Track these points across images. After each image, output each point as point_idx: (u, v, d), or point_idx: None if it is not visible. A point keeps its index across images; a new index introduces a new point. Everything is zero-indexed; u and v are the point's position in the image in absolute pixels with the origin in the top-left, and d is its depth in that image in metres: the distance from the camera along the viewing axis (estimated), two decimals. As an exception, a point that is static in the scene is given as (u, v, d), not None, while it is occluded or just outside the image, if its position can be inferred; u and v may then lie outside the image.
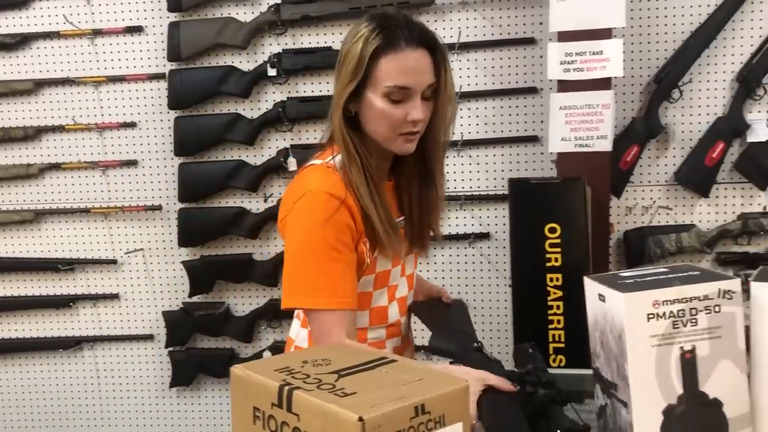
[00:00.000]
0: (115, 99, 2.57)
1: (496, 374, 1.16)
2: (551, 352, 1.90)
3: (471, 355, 1.27)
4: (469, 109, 2.42)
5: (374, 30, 1.26)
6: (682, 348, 0.93)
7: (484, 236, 2.45)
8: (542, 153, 2.40)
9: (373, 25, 1.27)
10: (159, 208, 2.57)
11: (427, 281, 1.77)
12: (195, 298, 2.58)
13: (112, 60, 2.55)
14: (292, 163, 2.45)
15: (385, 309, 1.42)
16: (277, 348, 2.54)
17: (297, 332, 1.49)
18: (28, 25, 2.56)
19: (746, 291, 0.95)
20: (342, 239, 1.27)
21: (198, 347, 2.62)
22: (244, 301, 2.60)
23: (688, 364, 0.93)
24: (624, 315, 0.92)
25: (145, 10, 2.52)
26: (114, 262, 2.62)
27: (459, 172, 2.45)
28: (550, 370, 1.22)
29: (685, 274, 0.98)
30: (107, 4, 2.52)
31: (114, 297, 2.64)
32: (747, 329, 0.96)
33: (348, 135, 1.30)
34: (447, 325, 1.50)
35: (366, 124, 1.31)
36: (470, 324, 1.54)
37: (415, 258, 1.53)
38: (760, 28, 2.28)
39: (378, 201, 1.30)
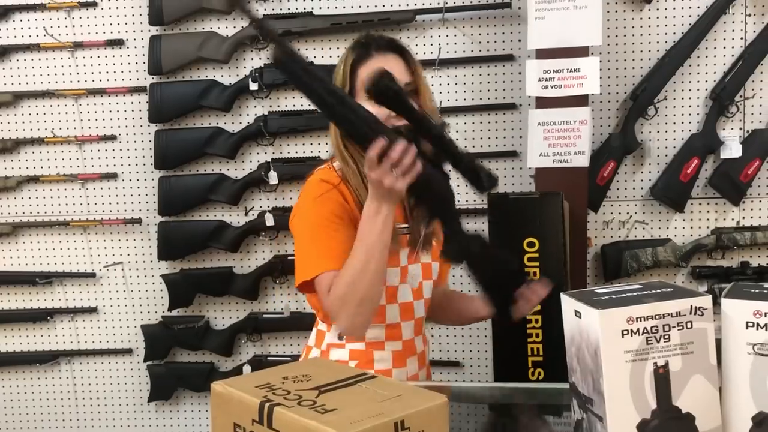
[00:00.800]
0: (96, 112, 2.56)
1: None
2: (530, 365, 1.93)
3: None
4: (448, 124, 2.44)
5: (349, 49, 1.47)
6: (655, 363, 0.95)
7: (464, 250, 2.47)
8: (521, 168, 2.43)
9: (350, 48, 1.48)
10: (139, 221, 2.56)
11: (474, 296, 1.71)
12: (174, 312, 2.57)
13: (92, 73, 2.55)
14: (273, 177, 2.46)
15: (382, 307, 1.46)
16: (258, 362, 2.53)
17: (314, 340, 1.55)
18: (8, 37, 2.55)
19: (718, 304, 0.97)
20: (336, 213, 1.40)
21: (177, 361, 2.61)
22: (224, 314, 2.60)
23: (662, 379, 0.95)
24: (599, 331, 0.94)
25: (126, 24, 2.52)
26: (93, 275, 2.60)
27: (439, 187, 2.46)
28: (526, 384, 1.23)
29: (658, 290, 1.00)
30: (88, 17, 2.52)
31: (92, 311, 2.62)
32: (718, 343, 0.98)
33: (344, 144, 1.44)
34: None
35: None
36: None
37: (424, 269, 1.55)
38: (732, 47, 2.34)
39: None
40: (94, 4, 2.51)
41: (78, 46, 2.52)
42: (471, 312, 1.65)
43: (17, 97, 2.55)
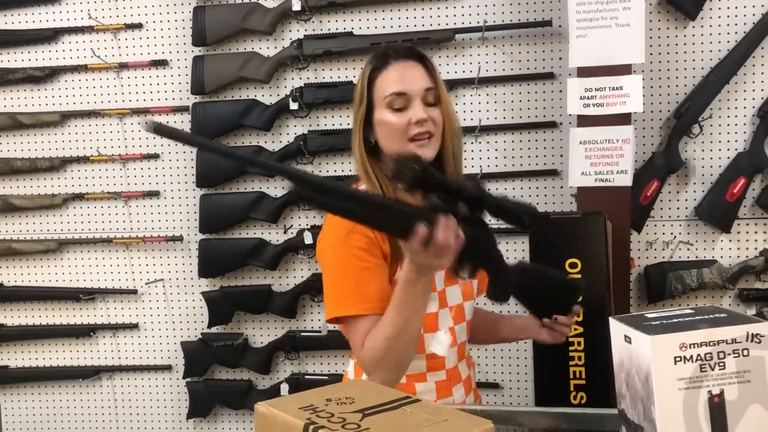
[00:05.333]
0: (139, 131, 2.61)
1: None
2: (572, 388, 1.88)
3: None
4: (488, 142, 2.43)
5: (368, 61, 1.45)
6: (710, 392, 0.92)
7: (504, 270, 2.44)
8: (562, 187, 2.40)
9: (368, 59, 1.45)
10: (180, 238, 2.59)
11: (514, 318, 1.71)
12: (214, 329, 2.59)
13: (137, 93, 2.60)
14: (312, 196, 2.46)
15: (421, 337, 1.40)
16: (295, 380, 2.53)
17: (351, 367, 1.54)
18: (57, 58, 2.62)
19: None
20: (366, 249, 1.35)
21: (216, 378, 2.63)
22: (262, 332, 2.61)
23: (717, 408, 0.92)
24: (651, 357, 0.91)
25: (170, 44, 2.57)
26: (134, 292, 2.64)
27: (478, 206, 2.45)
28: (571, 409, 1.21)
29: (712, 316, 0.97)
30: (134, 39, 2.58)
31: (133, 327, 2.66)
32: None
33: (366, 161, 1.42)
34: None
35: (383, 146, 1.42)
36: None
37: (464, 289, 1.50)
38: (781, 64, 2.29)
39: None
40: (140, 26, 2.57)
41: (123, 66, 2.58)
42: (502, 335, 1.64)
43: (64, 117, 2.62)
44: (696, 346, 0.91)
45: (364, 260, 1.35)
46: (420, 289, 1.25)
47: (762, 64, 2.29)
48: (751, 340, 0.92)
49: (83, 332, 2.66)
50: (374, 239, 1.36)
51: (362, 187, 1.44)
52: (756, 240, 2.34)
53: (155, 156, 2.60)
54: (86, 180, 2.65)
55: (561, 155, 2.39)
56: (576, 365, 1.88)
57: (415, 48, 1.46)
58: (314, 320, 2.57)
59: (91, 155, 2.62)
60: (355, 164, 1.46)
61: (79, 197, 2.63)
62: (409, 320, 1.27)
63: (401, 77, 1.39)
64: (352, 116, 1.45)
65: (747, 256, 2.33)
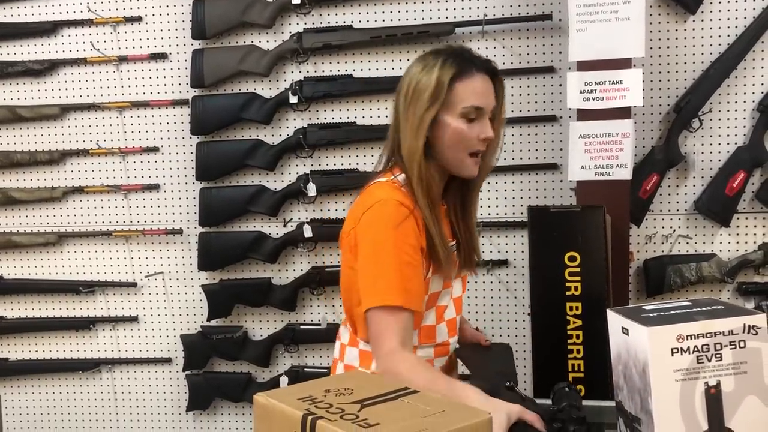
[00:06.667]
0: (139, 124, 2.61)
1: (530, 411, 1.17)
2: (570, 381, 1.89)
3: (503, 394, 1.27)
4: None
5: (447, 60, 1.38)
6: (706, 383, 0.92)
7: (503, 263, 2.45)
8: (561, 181, 2.40)
9: (443, 56, 1.39)
10: (180, 231, 2.60)
11: (468, 323, 1.73)
12: (213, 322, 2.59)
13: (136, 86, 2.60)
14: (311, 189, 2.47)
15: (433, 328, 1.46)
16: (295, 373, 2.54)
17: (344, 352, 1.53)
18: (56, 51, 2.62)
19: (770, 323, 0.95)
20: (412, 244, 1.35)
21: (215, 371, 2.63)
22: (261, 325, 2.61)
23: (713, 399, 0.92)
24: (648, 349, 0.91)
25: (169, 38, 2.57)
26: (134, 285, 2.64)
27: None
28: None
29: (709, 308, 0.97)
30: (133, 32, 2.58)
31: (133, 320, 2.66)
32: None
33: (423, 162, 1.39)
34: (486, 368, 1.51)
35: (439, 147, 1.40)
36: (511, 365, 1.54)
37: (462, 282, 1.56)
38: (781, 58, 2.29)
39: (437, 223, 1.39)
40: (139, 19, 2.56)
41: (123, 59, 2.58)
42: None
43: (64, 110, 2.62)
44: (693, 337, 0.92)
45: (410, 255, 1.34)
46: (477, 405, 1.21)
47: (762, 59, 2.29)
48: (748, 332, 0.92)
49: (83, 325, 2.66)
50: (419, 235, 1.36)
51: (401, 176, 1.41)
52: (755, 234, 2.34)
53: (155, 149, 2.60)
54: (86, 173, 2.65)
55: (561, 149, 2.39)
56: (575, 358, 1.88)
57: (492, 62, 1.45)
58: (314, 313, 2.58)
59: (91, 148, 2.62)
60: (406, 155, 1.40)
61: (79, 190, 2.63)
62: (438, 393, 1.19)
63: (483, 91, 1.40)
64: (408, 110, 1.40)
65: (746, 250, 2.34)
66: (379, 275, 1.34)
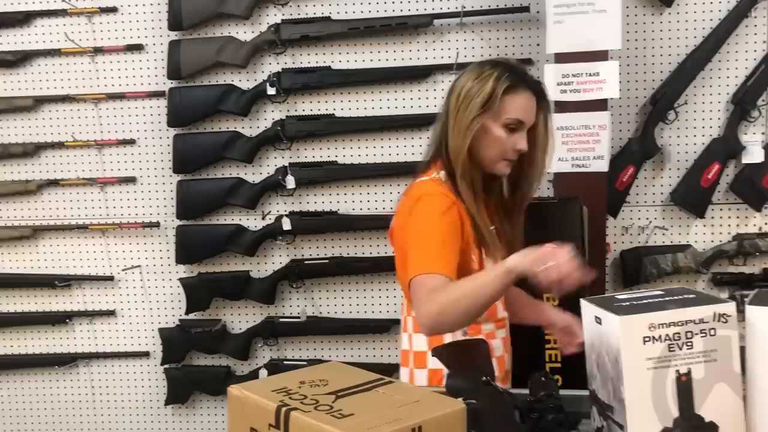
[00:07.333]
0: (115, 116, 2.58)
1: (506, 405, 1.18)
2: (547, 371, 1.90)
3: (481, 389, 1.27)
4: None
5: (502, 73, 1.51)
6: (677, 371, 0.93)
7: (481, 255, 2.46)
8: (539, 173, 2.41)
9: (500, 69, 1.52)
10: (157, 225, 2.58)
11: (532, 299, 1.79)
12: (192, 315, 2.58)
13: (112, 78, 2.57)
14: (290, 181, 2.46)
15: (494, 306, 1.57)
16: (274, 366, 2.53)
17: (411, 341, 1.59)
18: (30, 42, 2.58)
19: (741, 311, 0.96)
20: (455, 232, 1.47)
21: (194, 365, 2.62)
22: (240, 318, 2.60)
23: (684, 387, 0.93)
24: (620, 338, 0.92)
25: (145, 29, 2.54)
26: (111, 278, 2.62)
27: (456, 191, 2.46)
28: None
29: (680, 297, 0.98)
30: (108, 23, 2.55)
31: (110, 314, 2.64)
32: (742, 350, 0.97)
33: (465, 158, 1.52)
34: (462, 364, 1.52)
35: (477, 148, 1.53)
36: (488, 360, 1.54)
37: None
38: (755, 51, 2.31)
39: (480, 210, 1.53)
40: (114, 10, 2.53)
41: (98, 51, 2.55)
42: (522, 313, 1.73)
43: (38, 102, 2.58)
44: (665, 326, 0.93)
45: (452, 235, 1.46)
46: (505, 281, 1.34)
47: (736, 51, 2.32)
48: (718, 320, 0.94)
49: (59, 319, 2.63)
50: (460, 225, 1.49)
51: (442, 173, 1.53)
52: (729, 225, 2.37)
53: (131, 141, 2.58)
54: (61, 166, 2.61)
55: (538, 141, 2.39)
56: (552, 348, 1.90)
57: (541, 83, 1.58)
58: (293, 306, 2.57)
59: (66, 141, 2.58)
60: (453, 153, 1.51)
61: (54, 183, 2.60)
62: (480, 303, 1.36)
63: (527, 108, 1.53)
64: (459, 112, 1.50)
65: (720, 241, 2.37)
66: (424, 249, 1.45)
